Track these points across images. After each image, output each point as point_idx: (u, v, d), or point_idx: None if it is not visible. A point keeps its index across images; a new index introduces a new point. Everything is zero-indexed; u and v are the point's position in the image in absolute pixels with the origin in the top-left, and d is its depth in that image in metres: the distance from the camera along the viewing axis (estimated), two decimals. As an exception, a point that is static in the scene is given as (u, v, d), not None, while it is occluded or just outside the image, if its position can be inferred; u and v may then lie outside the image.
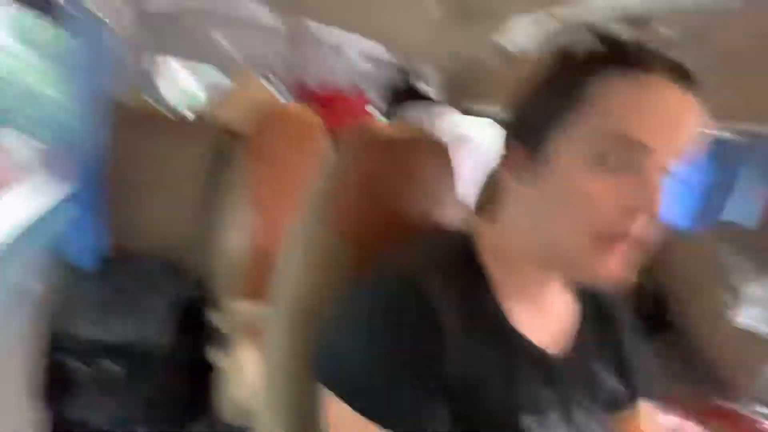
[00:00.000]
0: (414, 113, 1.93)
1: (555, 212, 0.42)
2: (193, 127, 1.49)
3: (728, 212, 1.18)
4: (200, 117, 1.54)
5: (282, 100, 2.03)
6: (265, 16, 1.71)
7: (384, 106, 2.16)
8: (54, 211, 1.19)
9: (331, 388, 0.41)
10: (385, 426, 0.38)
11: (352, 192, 0.58)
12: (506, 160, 0.46)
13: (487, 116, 2.15)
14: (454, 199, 0.68)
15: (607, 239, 0.40)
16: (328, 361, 0.43)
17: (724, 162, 1.18)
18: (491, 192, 0.49)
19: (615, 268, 0.40)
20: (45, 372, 1.00)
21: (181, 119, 1.54)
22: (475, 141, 1.82)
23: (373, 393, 0.38)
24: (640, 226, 0.39)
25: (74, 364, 0.99)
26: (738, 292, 0.94)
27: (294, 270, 0.57)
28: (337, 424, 0.41)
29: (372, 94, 2.14)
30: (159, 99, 1.64)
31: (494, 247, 0.47)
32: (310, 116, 1.44)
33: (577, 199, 0.40)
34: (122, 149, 1.36)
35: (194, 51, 1.95)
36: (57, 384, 1.01)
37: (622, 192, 0.39)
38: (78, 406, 0.99)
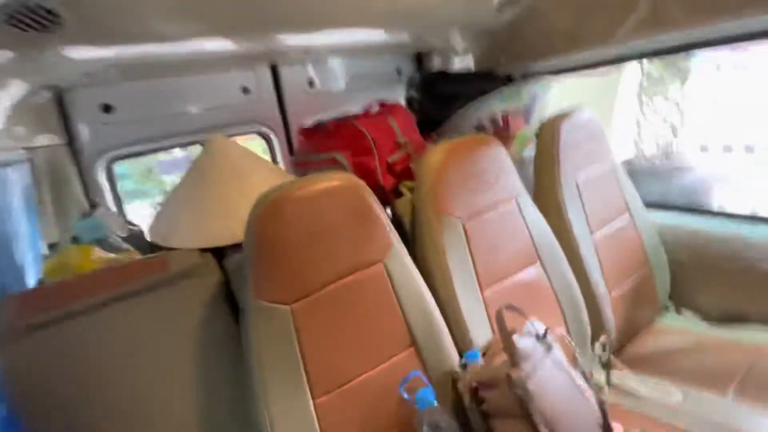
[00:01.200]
0: (500, 101, 1.25)
1: None
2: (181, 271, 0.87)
3: None
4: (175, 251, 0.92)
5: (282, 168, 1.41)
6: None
7: (423, 108, 1.52)
8: None
9: None
10: None
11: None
12: None
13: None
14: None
15: None
16: None
17: None
18: None
19: None
20: None
21: (158, 261, 0.92)
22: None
23: None
24: None
25: None
26: None
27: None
28: None
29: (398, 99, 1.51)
30: (115, 240, 1.04)
31: None
32: (338, 181, 0.82)
33: None
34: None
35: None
36: None
37: None
38: None
